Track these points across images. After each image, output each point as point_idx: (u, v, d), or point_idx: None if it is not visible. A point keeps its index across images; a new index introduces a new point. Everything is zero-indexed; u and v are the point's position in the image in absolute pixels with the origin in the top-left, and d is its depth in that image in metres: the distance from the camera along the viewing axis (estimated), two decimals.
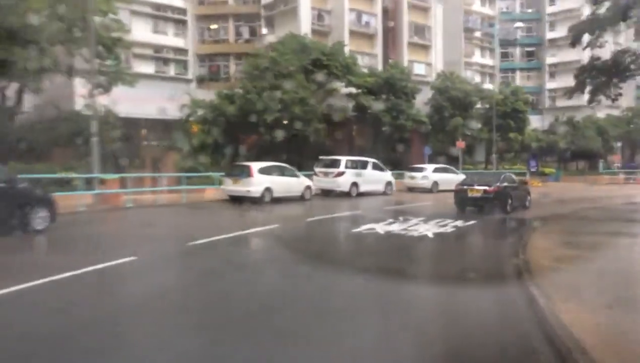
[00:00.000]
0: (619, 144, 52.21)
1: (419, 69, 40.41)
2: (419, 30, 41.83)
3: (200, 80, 39.19)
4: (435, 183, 28.63)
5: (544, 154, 50.38)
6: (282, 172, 21.72)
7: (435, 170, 29.27)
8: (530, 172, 41.36)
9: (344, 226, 14.81)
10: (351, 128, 37.66)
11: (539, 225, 14.05)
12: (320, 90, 31.74)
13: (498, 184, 16.50)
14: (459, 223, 14.41)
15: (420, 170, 29.27)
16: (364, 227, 13.38)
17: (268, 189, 20.34)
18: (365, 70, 34.66)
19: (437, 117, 38.54)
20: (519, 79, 60.36)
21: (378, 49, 38.66)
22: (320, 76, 30.56)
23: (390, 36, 40.06)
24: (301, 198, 21.94)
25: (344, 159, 24.77)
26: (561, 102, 56.96)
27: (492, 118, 38.16)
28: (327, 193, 24.80)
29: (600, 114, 50.27)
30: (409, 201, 23.19)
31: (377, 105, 33.57)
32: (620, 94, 17.38)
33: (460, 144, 36.18)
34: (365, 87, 33.28)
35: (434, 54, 42.67)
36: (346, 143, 36.30)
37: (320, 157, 25.77)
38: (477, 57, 57.10)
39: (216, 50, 39.80)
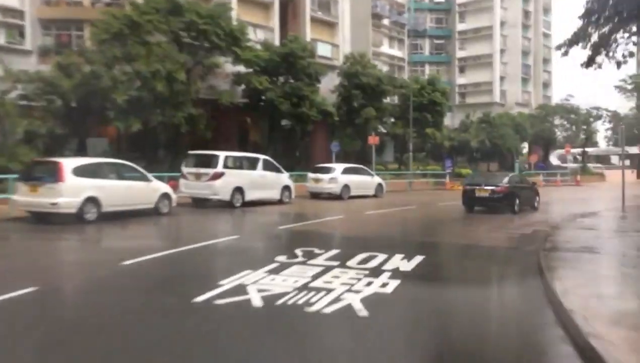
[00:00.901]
0: (526, 144, 49.94)
1: (323, 50, 34.04)
2: (324, 4, 35.50)
3: (44, 53, 29.78)
4: (346, 187, 22.46)
5: (455, 154, 46.67)
6: (118, 173, 14.09)
7: (346, 171, 23.08)
8: (446, 173, 36.82)
9: (180, 285, 7.34)
10: (242, 119, 30.46)
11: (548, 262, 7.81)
12: (198, 65, 24.25)
13: (506, 184, 16.23)
14: (401, 264, 7.91)
15: (327, 171, 22.90)
16: (226, 283, 6.46)
17: (91, 201, 12.72)
18: (259, 47, 27.63)
19: (346, 108, 32.54)
20: (428, 73, 56.59)
21: (275, 22, 31.73)
22: (196, 46, 23.18)
23: (291, 8, 33.32)
24: (155, 213, 14.49)
25: (222, 155, 17.55)
26: (472, 98, 53.99)
27: (409, 110, 32.87)
28: (200, 202, 17.56)
29: (512, 112, 47.58)
30: (313, 214, 16.54)
31: (273, 90, 26.78)
32: (632, 53, 11.83)
33: (374, 139, 30.38)
34: (258, 66, 26.25)
35: (341, 35, 36.59)
36: (234, 137, 29.00)
37: (190, 153, 18.39)
38: (386, 48, 52.43)
39: (66, 14, 30.55)
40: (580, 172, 42.50)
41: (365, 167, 24.82)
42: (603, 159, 70.73)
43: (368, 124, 31.92)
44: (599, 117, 49.15)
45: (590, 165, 50.26)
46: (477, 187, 16.42)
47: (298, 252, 8.67)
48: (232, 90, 26.06)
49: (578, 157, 46.52)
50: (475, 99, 51.85)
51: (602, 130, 57.17)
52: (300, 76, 27.82)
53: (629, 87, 54.92)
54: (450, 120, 51.88)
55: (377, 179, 24.82)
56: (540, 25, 58.97)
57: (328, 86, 32.63)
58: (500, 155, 45.26)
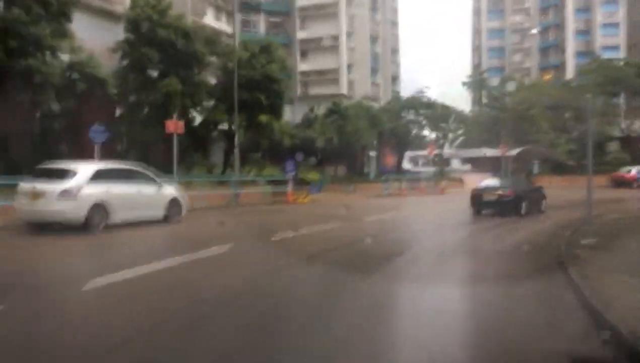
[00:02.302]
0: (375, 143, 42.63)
1: None
2: None
3: None
4: (100, 208, 10.72)
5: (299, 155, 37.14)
6: None
7: (100, 177, 11.19)
8: (288, 178, 26.64)
9: None
10: None
11: None
12: None
13: (514, 188, 16.58)
14: None
15: (61, 175, 10.84)
16: None
17: None
18: None
19: (135, 76, 20.58)
20: None
21: None
22: None
23: None
24: None
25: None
26: (316, 89, 45.21)
27: (232, 88, 21.86)
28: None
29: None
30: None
31: None
32: None
33: (175, 125, 18.66)
34: None
35: None
36: None
37: None
38: (211, 20, 41.14)
39: None
40: (440, 177, 35.96)
41: (144, 170, 13.09)
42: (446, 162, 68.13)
43: (170, 102, 20.29)
44: (448, 116, 43.79)
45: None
46: (485, 191, 16.83)
47: None
48: None
49: (436, 159, 40.26)
50: (319, 90, 43.23)
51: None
52: (26, 2, 15.09)
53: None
54: (292, 115, 42.34)
55: (168, 191, 13.33)
56: (388, 11, 53.03)
57: (106, 41, 20.31)
58: (351, 156, 36.76)
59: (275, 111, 25.72)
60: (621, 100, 50.12)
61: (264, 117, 24.61)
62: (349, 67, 46.92)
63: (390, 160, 37.56)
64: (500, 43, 72.64)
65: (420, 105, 38.74)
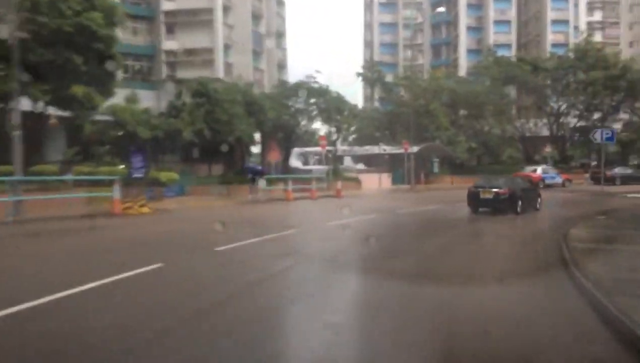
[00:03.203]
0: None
1: None
2: None
3: None
4: None
5: (163, 150, 29.61)
6: None
7: None
8: (133, 178, 18.83)
9: None
10: None
11: None
12: None
13: (510, 187, 16.50)
14: None
15: None
16: None
17: None
18: None
19: None
20: (127, 33, 37.13)
21: None
22: None
23: None
24: None
25: None
26: (185, 71, 37.24)
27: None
28: None
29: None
30: None
31: None
32: None
33: None
34: None
35: None
36: None
37: None
38: None
39: None
40: (334, 177, 29.99)
41: None
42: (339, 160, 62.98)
43: None
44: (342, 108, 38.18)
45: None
46: (482, 189, 16.58)
47: None
48: None
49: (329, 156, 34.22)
50: (190, 73, 35.30)
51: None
52: None
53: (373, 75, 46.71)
54: (156, 102, 34.09)
55: None
56: None
57: None
58: (229, 151, 29.44)
59: (101, 83, 17.72)
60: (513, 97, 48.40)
61: (80, 88, 16.55)
62: (226, 47, 39.48)
63: (274, 156, 30.89)
64: (393, 38, 69.51)
65: (311, 92, 32.47)
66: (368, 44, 71.59)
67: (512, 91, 47.08)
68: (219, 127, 26.63)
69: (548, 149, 45.70)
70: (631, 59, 44.29)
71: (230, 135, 26.72)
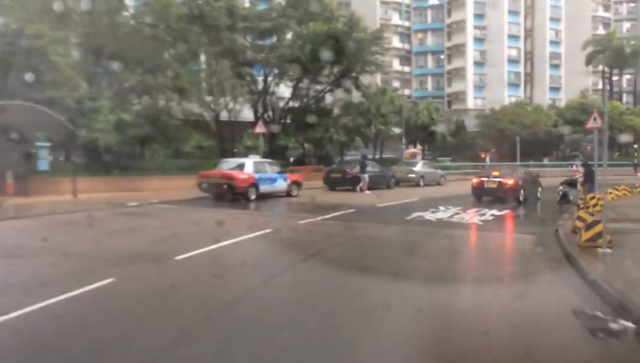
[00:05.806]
0: None
1: None
2: None
3: None
4: None
5: None
6: None
7: None
8: None
9: None
10: None
11: None
12: None
13: (513, 176, 17.17)
14: None
15: None
16: None
17: None
18: None
19: None
20: None
21: None
22: None
23: None
24: None
25: None
26: None
27: None
28: None
29: None
30: None
31: None
32: None
33: None
34: None
35: None
36: None
37: None
38: None
39: None
40: None
41: None
42: None
43: None
44: None
45: None
46: (486, 179, 17.14)
47: None
48: None
49: None
50: None
51: None
52: None
53: None
54: None
55: None
56: None
57: None
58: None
59: None
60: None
61: None
62: None
63: None
64: None
65: None
66: None
67: (200, 47, 29.51)
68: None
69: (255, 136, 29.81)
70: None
71: None
